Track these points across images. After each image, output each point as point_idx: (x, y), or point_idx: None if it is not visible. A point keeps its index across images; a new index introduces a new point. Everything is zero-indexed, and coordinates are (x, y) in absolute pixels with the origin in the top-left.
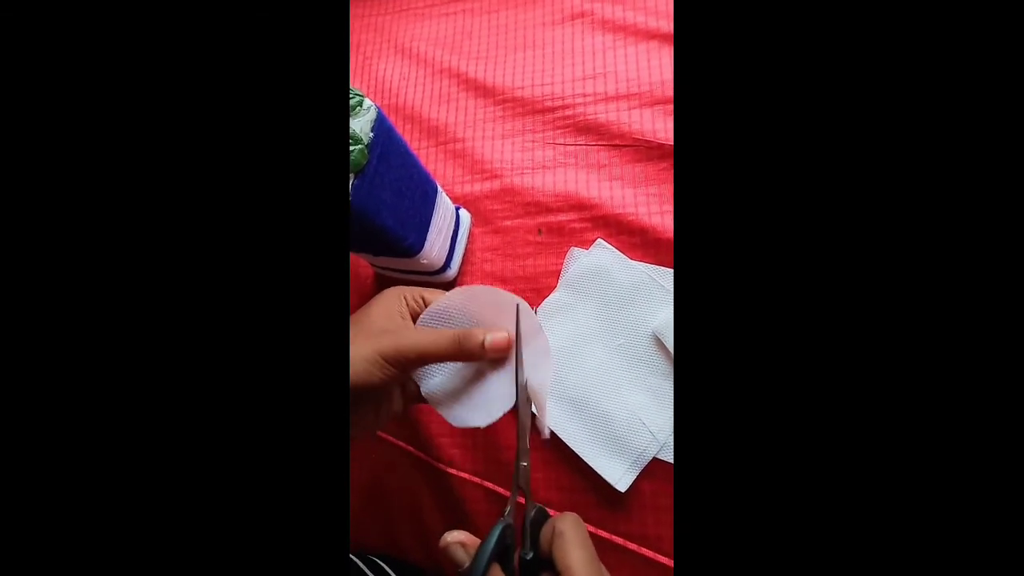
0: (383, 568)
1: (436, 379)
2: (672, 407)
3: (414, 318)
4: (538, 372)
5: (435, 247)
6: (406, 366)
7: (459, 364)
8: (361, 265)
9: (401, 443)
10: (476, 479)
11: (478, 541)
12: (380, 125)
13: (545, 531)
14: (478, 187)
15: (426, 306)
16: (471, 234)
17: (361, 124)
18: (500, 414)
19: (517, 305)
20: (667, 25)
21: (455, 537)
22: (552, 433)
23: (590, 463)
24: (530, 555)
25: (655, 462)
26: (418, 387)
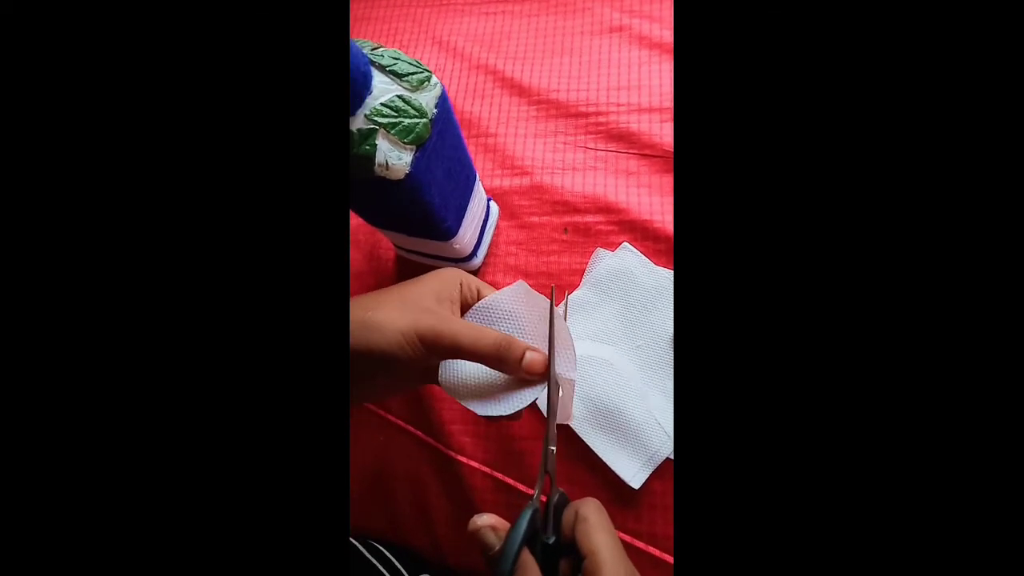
0: (384, 554)
1: (456, 366)
2: None
3: (464, 308)
4: (566, 363)
5: (467, 234)
6: (439, 352)
7: None
8: (382, 247)
9: (410, 427)
10: (487, 469)
11: (507, 525)
12: (443, 103)
13: (567, 516)
14: (507, 182)
15: (479, 298)
16: (498, 227)
17: (427, 99)
18: (521, 407)
19: (552, 289)
20: None
21: (485, 521)
22: (567, 427)
23: (604, 459)
24: (552, 539)
25: (667, 462)
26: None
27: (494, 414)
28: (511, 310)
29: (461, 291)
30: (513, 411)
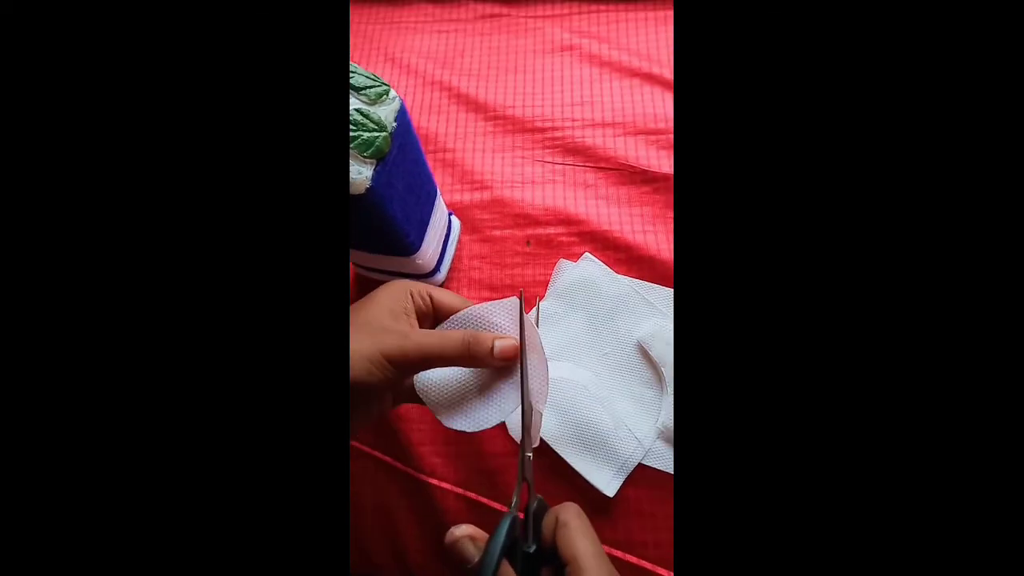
0: None
1: (433, 378)
2: (656, 414)
3: (419, 316)
4: (536, 379)
5: (430, 248)
6: (409, 368)
7: (459, 368)
8: None
9: (377, 453)
10: (459, 489)
11: (485, 535)
12: (402, 116)
13: (547, 522)
14: (467, 196)
15: (434, 304)
16: (460, 241)
17: (385, 113)
18: (499, 420)
19: (519, 301)
20: (647, 66)
21: (463, 531)
22: (541, 441)
23: (578, 469)
24: (532, 548)
25: (639, 469)
26: (411, 385)
27: (466, 429)
28: (480, 316)
29: (413, 300)
30: (486, 427)
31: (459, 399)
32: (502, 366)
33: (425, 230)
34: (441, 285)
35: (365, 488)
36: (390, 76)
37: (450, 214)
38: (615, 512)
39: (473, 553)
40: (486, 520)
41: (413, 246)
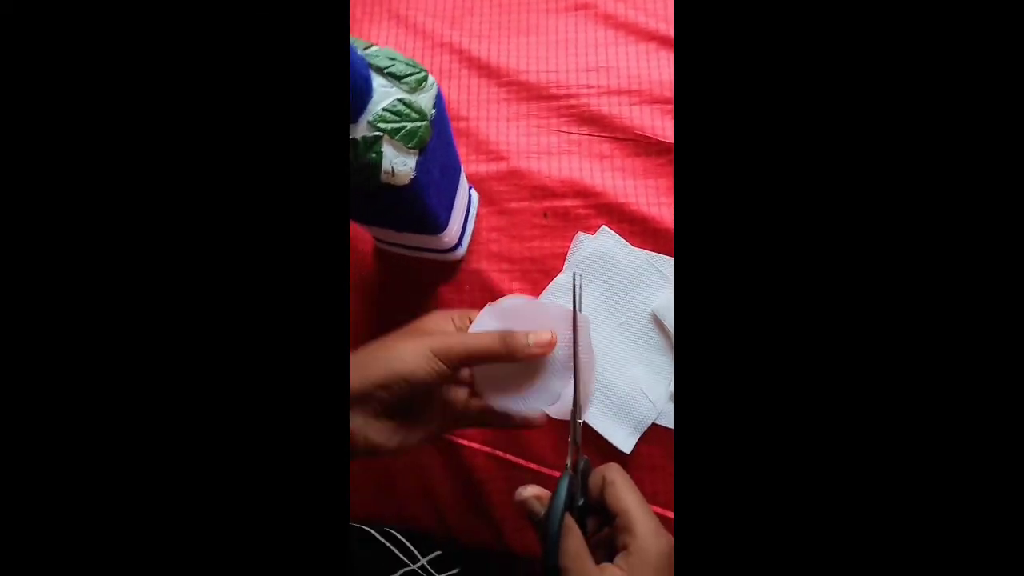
0: (397, 537)
1: (487, 373)
2: (669, 379)
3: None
4: (585, 357)
5: (455, 224)
6: (454, 361)
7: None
8: (360, 239)
9: None
10: (488, 448)
11: (548, 493)
12: (439, 103)
13: (594, 480)
14: (484, 167)
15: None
16: (478, 214)
17: (426, 100)
18: (547, 404)
19: (574, 276)
20: (666, 28)
21: (530, 492)
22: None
23: (596, 428)
24: (581, 501)
25: (652, 428)
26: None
27: (518, 408)
28: (520, 311)
29: (454, 324)
30: (544, 406)
31: (509, 384)
32: (539, 353)
33: (452, 207)
34: (461, 259)
35: None
36: (398, 38)
37: (470, 187)
38: (631, 466)
39: (539, 509)
40: (512, 475)
41: (442, 225)
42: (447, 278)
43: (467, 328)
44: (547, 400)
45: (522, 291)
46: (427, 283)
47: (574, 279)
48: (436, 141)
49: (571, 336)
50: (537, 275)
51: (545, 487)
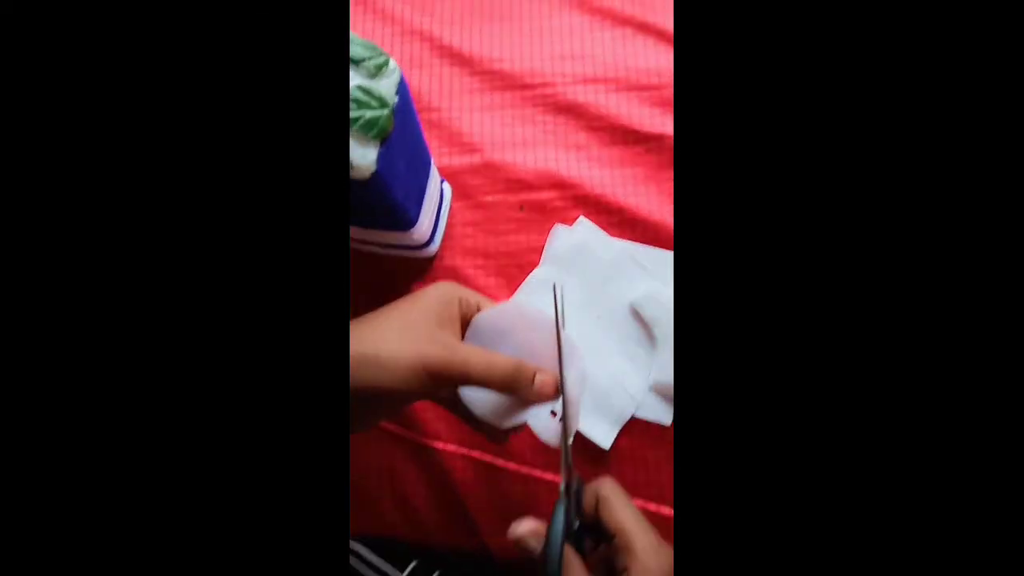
0: (358, 553)
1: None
2: (648, 371)
3: (463, 325)
4: (575, 376)
5: (426, 219)
6: (449, 383)
7: None
8: None
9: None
10: (463, 450)
11: (543, 527)
12: (403, 89)
13: (588, 498)
14: (456, 160)
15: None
16: (451, 209)
17: (387, 86)
18: (529, 419)
19: (554, 288)
20: (642, 13)
21: (525, 528)
22: None
23: (584, 432)
24: (577, 524)
25: (631, 420)
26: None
27: (508, 426)
28: (511, 326)
29: (460, 308)
30: (525, 420)
31: (495, 397)
32: (541, 399)
33: (422, 202)
34: (433, 256)
35: (367, 453)
36: (363, 23)
37: (442, 181)
38: (611, 460)
39: (535, 546)
40: (491, 477)
41: (412, 221)
42: (420, 276)
43: (473, 316)
44: (535, 421)
45: (498, 287)
46: (399, 281)
47: (555, 292)
48: (400, 131)
49: (561, 354)
50: (513, 270)
51: (524, 487)
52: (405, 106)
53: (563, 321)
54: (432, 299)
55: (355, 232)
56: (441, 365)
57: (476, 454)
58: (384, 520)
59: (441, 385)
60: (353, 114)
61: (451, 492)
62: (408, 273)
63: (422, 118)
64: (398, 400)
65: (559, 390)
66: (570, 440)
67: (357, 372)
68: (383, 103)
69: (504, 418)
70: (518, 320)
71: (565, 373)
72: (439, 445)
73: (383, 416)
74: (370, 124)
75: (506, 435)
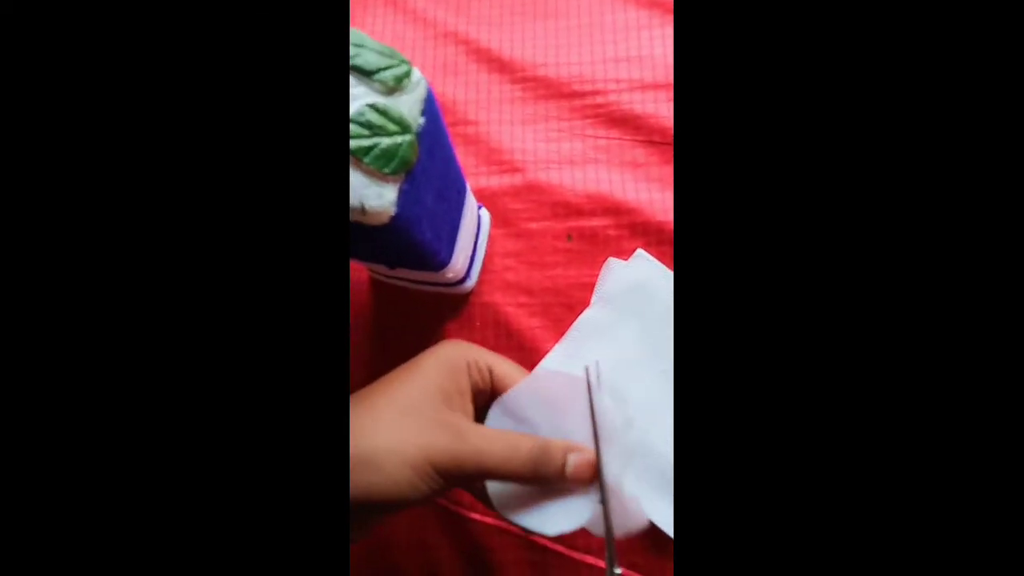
0: None
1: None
2: None
3: (475, 395)
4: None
5: (461, 256)
6: (460, 480)
7: None
8: (353, 268)
9: None
10: (503, 524)
11: None
12: (430, 107)
13: None
14: (495, 181)
15: (493, 381)
16: (490, 237)
17: (410, 104)
18: (578, 525)
19: (586, 370)
20: None
21: None
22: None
23: (645, 511)
24: None
25: None
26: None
27: (553, 532)
28: (539, 400)
29: (470, 376)
30: (574, 526)
31: (526, 495)
32: (579, 482)
33: (456, 239)
34: (470, 292)
35: (399, 525)
36: (394, 26)
37: (479, 207)
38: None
39: None
40: (535, 559)
41: (443, 262)
42: (455, 313)
43: (486, 382)
44: (576, 520)
45: (543, 329)
46: (431, 318)
47: (587, 374)
48: (427, 160)
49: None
50: (560, 310)
51: (572, 572)
52: (434, 128)
53: (599, 387)
54: (434, 369)
55: (378, 268)
56: (451, 460)
57: (518, 530)
58: None
59: (454, 485)
60: (365, 143)
61: (487, 570)
62: (441, 309)
63: (455, 133)
64: (398, 507)
65: (600, 479)
66: (616, 532)
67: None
68: (405, 127)
69: (546, 520)
70: (546, 392)
71: (603, 450)
72: (476, 516)
73: (385, 519)
74: (387, 155)
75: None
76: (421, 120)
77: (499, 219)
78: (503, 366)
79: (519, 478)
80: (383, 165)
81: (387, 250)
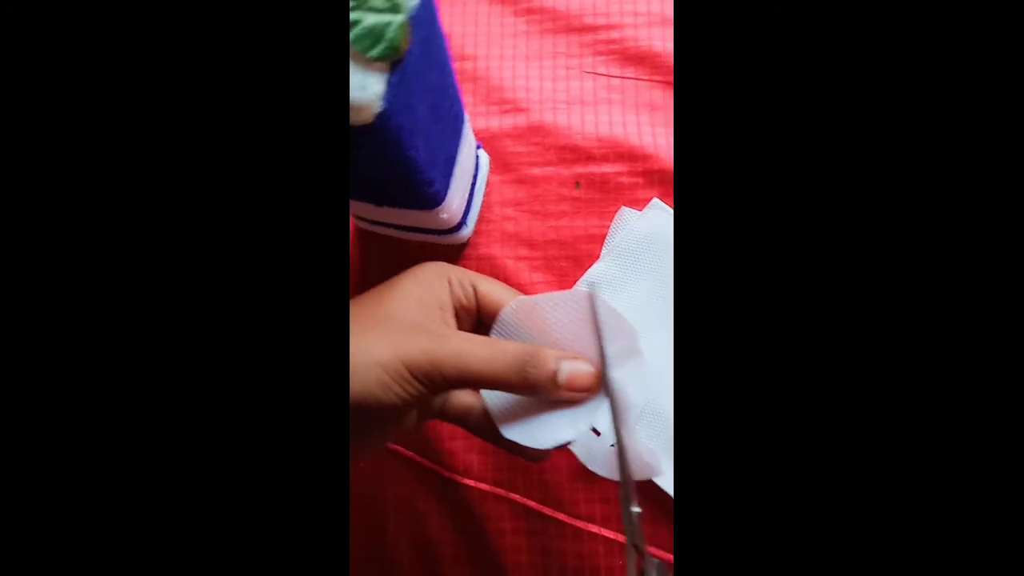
0: None
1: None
2: None
3: (458, 315)
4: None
5: (457, 196)
6: (439, 384)
7: None
8: None
9: (399, 448)
10: (499, 490)
11: None
12: None
13: None
14: (496, 122)
15: (479, 301)
16: (488, 183)
17: None
18: (571, 437)
19: (591, 295)
20: None
21: None
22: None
23: (657, 481)
24: None
25: None
26: (441, 401)
27: (535, 445)
28: (543, 318)
29: (451, 291)
30: (569, 437)
31: (523, 406)
32: (573, 399)
33: (452, 172)
34: (466, 243)
35: (387, 489)
36: None
37: (478, 147)
38: None
39: None
40: (534, 527)
41: (438, 195)
42: None
43: (470, 301)
44: (571, 431)
45: (546, 285)
46: None
47: (592, 289)
48: (420, 56)
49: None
50: (566, 263)
51: (580, 546)
52: (429, 18)
53: (601, 326)
54: (412, 282)
55: (366, 211)
56: (427, 360)
57: (516, 497)
58: (403, 567)
59: (430, 388)
60: (350, 17)
61: (482, 542)
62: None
63: (456, 69)
64: (387, 418)
65: (602, 386)
66: (635, 507)
67: None
68: (395, 5)
69: (539, 434)
70: (551, 311)
71: (613, 367)
72: (470, 482)
73: (379, 444)
74: (373, 35)
75: (545, 453)
76: (415, 3)
77: (499, 163)
78: (488, 284)
79: (506, 384)
80: (368, 47)
81: (373, 173)
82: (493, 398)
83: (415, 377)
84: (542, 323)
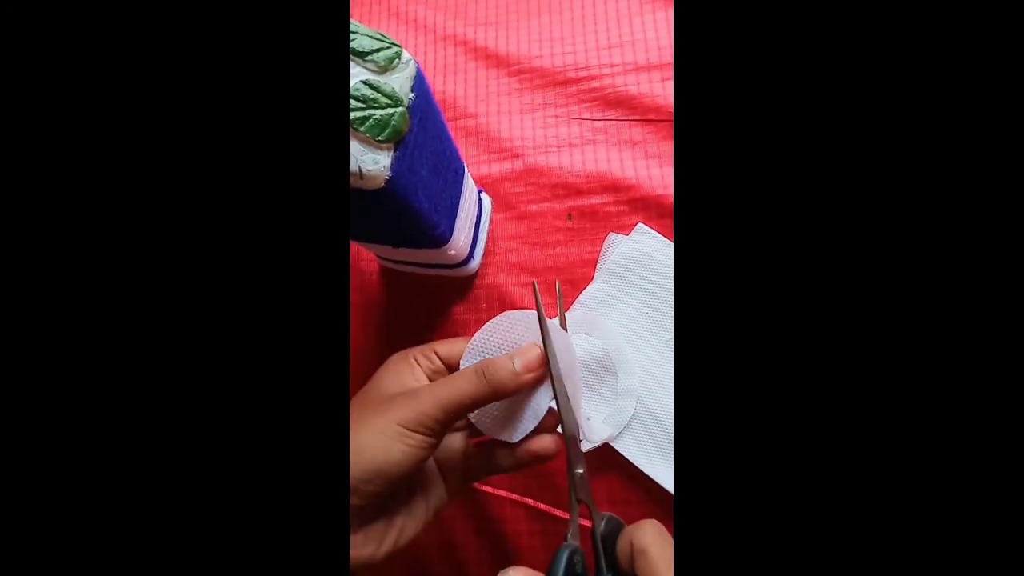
0: None
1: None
2: None
3: (431, 378)
4: (572, 373)
5: (462, 235)
6: (433, 429)
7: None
8: (363, 258)
9: None
10: (515, 496)
11: None
12: (420, 84)
13: (622, 546)
14: (496, 168)
15: (443, 360)
16: (492, 221)
17: (400, 81)
18: (534, 423)
19: (534, 285)
20: None
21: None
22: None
23: (647, 472)
24: None
25: None
26: (470, 466)
27: (519, 437)
28: (498, 339)
29: (418, 365)
30: (532, 425)
31: (503, 412)
32: (533, 379)
33: (455, 216)
34: (475, 274)
35: None
36: (396, 33)
37: (480, 191)
38: None
39: None
40: (548, 529)
41: (444, 236)
42: (461, 296)
43: (435, 363)
44: (532, 420)
45: (547, 306)
46: (438, 303)
47: (535, 286)
48: (419, 133)
49: (554, 349)
50: (565, 286)
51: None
52: (426, 106)
53: (560, 311)
54: (383, 376)
55: (387, 252)
56: (412, 413)
57: (531, 501)
58: (430, 570)
59: (429, 433)
60: (360, 115)
61: (503, 544)
62: (447, 293)
63: (458, 127)
64: (407, 483)
65: (547, 366)
66: (578, 468)
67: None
68: (396, 101)
69: (513, 429)
70: (507, 329)
71: (555, 353)
72: (487, 489)
73: (411, 521)
74: (381, 125)
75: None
76: (412, 96)
77: (500, 203)
78: (444, 345)
79: (479, 396)
80: (377, 133)
81: (388, 223)
82: (475, 416)
83: (411, 430)
84: (492, 342)
